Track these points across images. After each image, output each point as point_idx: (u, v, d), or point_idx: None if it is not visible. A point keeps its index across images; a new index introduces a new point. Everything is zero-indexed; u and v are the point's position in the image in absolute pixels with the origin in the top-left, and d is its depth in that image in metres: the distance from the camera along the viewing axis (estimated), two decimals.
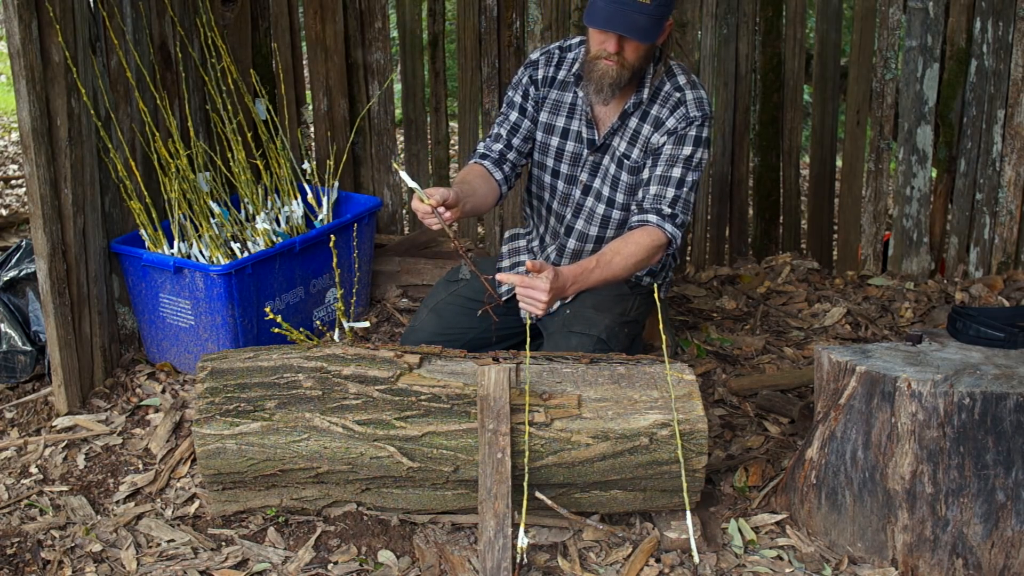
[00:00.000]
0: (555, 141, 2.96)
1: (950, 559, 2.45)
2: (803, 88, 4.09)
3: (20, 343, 3.25)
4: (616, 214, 2.94)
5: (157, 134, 3.32)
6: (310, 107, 4.20)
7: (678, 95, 2.83)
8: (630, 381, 2.58)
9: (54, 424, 3.09)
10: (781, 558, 2.57)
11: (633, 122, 2.87)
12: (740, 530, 2.65)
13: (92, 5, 3.13)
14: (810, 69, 4.22)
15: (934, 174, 4.03)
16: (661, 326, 2.62)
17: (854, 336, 3.65)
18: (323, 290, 3.57)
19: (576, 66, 2.88)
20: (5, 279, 3.33)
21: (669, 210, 2.80)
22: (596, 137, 2.90)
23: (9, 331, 3.26)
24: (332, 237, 2.89)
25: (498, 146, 2.97)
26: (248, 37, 3.94)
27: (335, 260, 2.95)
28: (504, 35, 4.01)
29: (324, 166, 3.96)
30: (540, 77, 2.95)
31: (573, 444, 2.50)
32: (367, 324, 2.97)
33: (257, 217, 3.48)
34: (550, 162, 2.98)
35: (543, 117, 2.97)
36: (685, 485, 2.50)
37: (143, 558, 2.56)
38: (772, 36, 4.02)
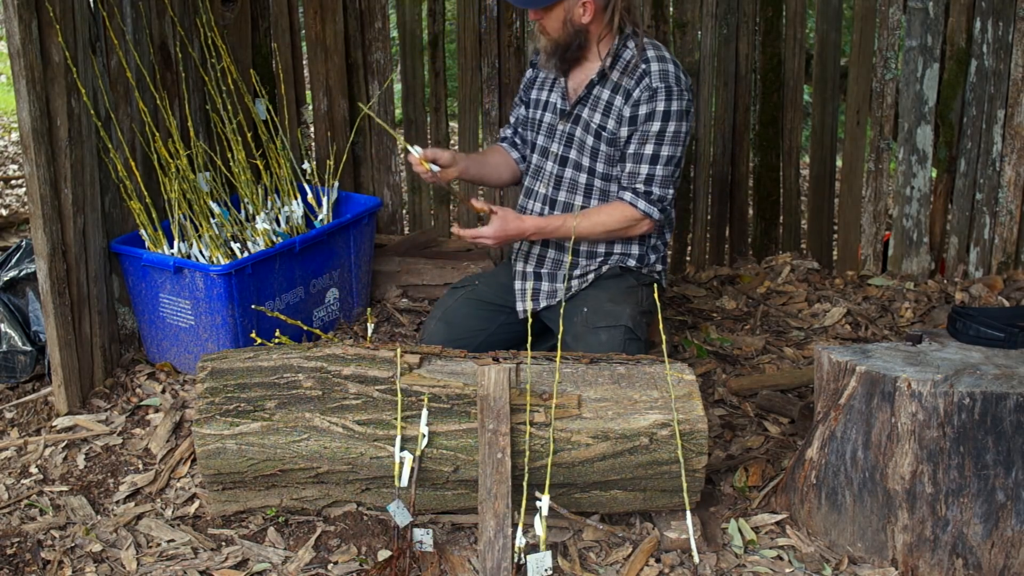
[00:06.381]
0: (538, 114, 3.10)
1: (950, 559, 2.45)
2: (803, 88, 4.09)
3: (20, 343, 3.25)
4: (598, 183, 2.97)
5: (157, 134, 3.32)
6: (310, 107, 4.20)
7: (644, 66, 2.87)
8: (630, 381, 2.58)
9: (54, 424, 3.09)
10: (781, 558, 2.57)
11: (605, 93, 2.92)
12: (740, 530, 2.65)
13: (92, 5, 3.13)
14: (810, 69, 4.22)
15: (934, 174, 4.03)
16: (661, 326, 2.62)
17: (854, 336, 3.65)
18: (323, 290, 3.57)
19: None
20: (5, 279, 3.33)
21: (643, 187, 2.89)
22: (567, 107, 2.99)
23: (9, 331, 3.26)
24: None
25: (509, 131, 3.20)
26: (248, 37, 3.93)
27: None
28: (504, 35, 4.01)
29: (324, 166, 3.95)
30: (535, 63, 3.14)
31: (573, 444, 2.50)
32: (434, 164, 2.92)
33: (257, 217, 3.48)
34: (531, 135, 3.13)
35: (532, 95, 3.13)
36: (685, 485, 2.50)
37: (143, 558, 2.56)
38: (772, 36, 4.02)
